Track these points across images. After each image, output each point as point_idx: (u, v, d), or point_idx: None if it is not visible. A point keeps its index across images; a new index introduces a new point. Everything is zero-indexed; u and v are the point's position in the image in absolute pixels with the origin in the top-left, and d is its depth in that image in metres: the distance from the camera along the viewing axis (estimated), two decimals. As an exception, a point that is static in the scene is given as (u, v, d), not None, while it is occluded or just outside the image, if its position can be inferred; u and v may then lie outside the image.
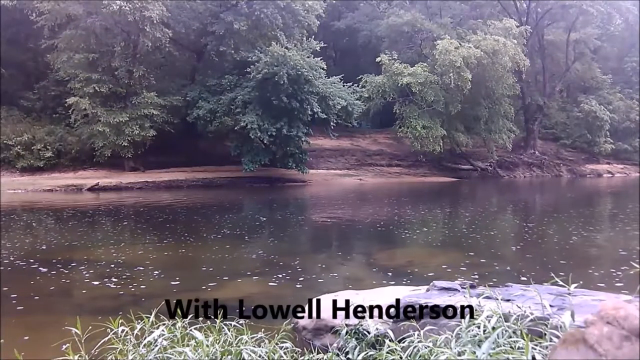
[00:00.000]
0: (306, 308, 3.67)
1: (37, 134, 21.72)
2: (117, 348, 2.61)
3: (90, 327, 2.66)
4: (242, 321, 2.89)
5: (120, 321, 2.74)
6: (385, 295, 3.59)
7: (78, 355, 2.55)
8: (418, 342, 2.43)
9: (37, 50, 23.16)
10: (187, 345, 2.52)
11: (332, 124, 22.88)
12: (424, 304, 2.87)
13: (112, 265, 6.89)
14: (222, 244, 8.93)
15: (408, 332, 2.64)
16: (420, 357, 2.34)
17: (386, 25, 28.77)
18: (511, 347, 2.08)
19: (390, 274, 6.39)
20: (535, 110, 33.31)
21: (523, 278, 5.31)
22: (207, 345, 2.53)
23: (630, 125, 35.71)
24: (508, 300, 2.60)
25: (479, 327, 2.27)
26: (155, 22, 19.84)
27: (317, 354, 2.78)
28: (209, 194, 18.78)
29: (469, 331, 2.30)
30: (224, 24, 21.93)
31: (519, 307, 2.41)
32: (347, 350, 2.80)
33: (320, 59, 22.30)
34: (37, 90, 23.74)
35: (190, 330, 2.69)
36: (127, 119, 20.58)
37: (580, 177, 31.81)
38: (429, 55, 27.17)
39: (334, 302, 3.60)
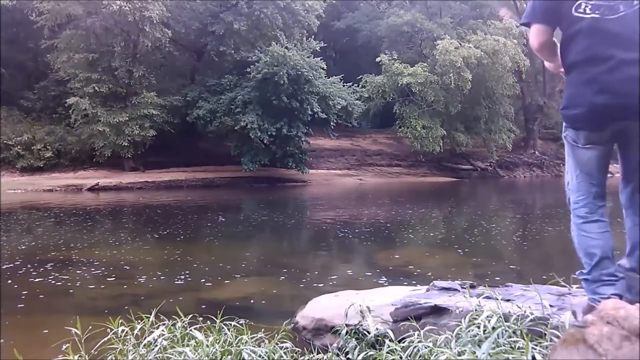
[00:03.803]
0: (306, 308, 3.68)
1: (37, 134, 21.70)
2: (117, 348, 2.62)
3: (90, 327, 2.66)
4: (242, 321, 2.89)
5: (120, 321, 2.74)
6: (385, 295, 3.59)
7: (78, 355, 2.55)
8: (418, 342, 2.44)
9: (37, 50, 23.13)
10: (187, 345, 2.52)
11: (332, 124, 22.86)
12: (424, 304, 2.87)
13: (112, 265, 6.89)
14: (222, 243, 8.94)
15: (408, 332, 2.65)
16: (420, 357, 2.34)
17: (386, 25, 28.73)
18: (511, 347, 2.08)
19: (390, 274, 6.39)
20: (535, 110, 33.26)
21: (523, 278, 5.31)
22: (207, 345, 2.53)
23: (630, 125, 35.72)
24: (508, 300, 2.60)
25: (479, 327, 2.28)
26: (155, 22, 19.82)
27: (317, 354, 2.78)
28: (209, 194, 18.78)
29: (469, 331, 2.30)
30: (224, 24, 21.91)
31: (519, 307, 2.41)
32: (347, 350, 2.80)
33: (320, 59, 22.27)
34: (37, 90, 23.70)
35: (190, 330, 2.69)
36: (127, 119, 20.55)
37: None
38: (429, 55, 27.14)
39: (334, 302, 3.61)
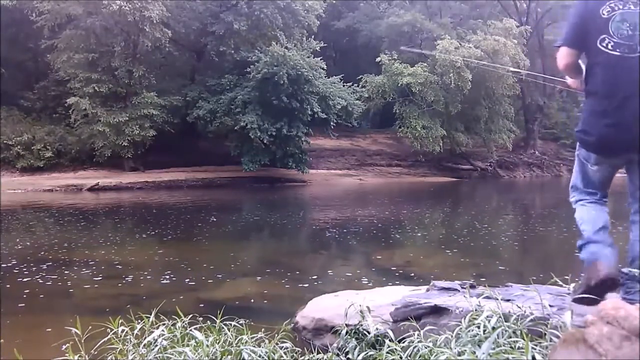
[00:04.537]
0: (306, 308, 3.68)
1: (37, 134, 21.67)
2: (117, 348, 2.62)
3: (90, 327, 2.66)
4: (242, 321, 2.89)
5: (120, 321, 2.74)
6: (385, 295, 3.59)
7: (78, 355, 2.55)
8: (418, 342, 2.43)
9: (37, 50, 23.12)
10: (187, 345, 2.52)
11: (332, 124, 22.85)
12: (424, 304, 2.87)
13: (112, 265, 6.89)
14: (221, 243, 8.94)
15: (408, 332, 2.64)
16: (420, 357, 2.34)
17: (386, 25, 28.72)
18: (511, 347, 2.08)
19: (390, 274, 6.39)
20: (535, 110, 33.27)
21: (523, 278, 5.31)
22: (207, 345, 2.53)
23: (630, 125, 35.67)
24: (508, 300, 2.60)
25: (479, 327, 2.28)
26: (155, 22, 19.80)
27: (317, 354, 2.78)
28: (209, 194, 18.78)
29: (469, 331, 2.30)
30: (224, 24, 21.90)
31: (519, 307, 2.41)
32: (347, 350, 2.80)
33: (320, 59, 22.26)
34: (37, 90, 23.68)
35: (190, 330, 2.69)
36: (127, 119, 20.54)
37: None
38: (429, 55, 27.14)
39: (334, 302, 3.61)
